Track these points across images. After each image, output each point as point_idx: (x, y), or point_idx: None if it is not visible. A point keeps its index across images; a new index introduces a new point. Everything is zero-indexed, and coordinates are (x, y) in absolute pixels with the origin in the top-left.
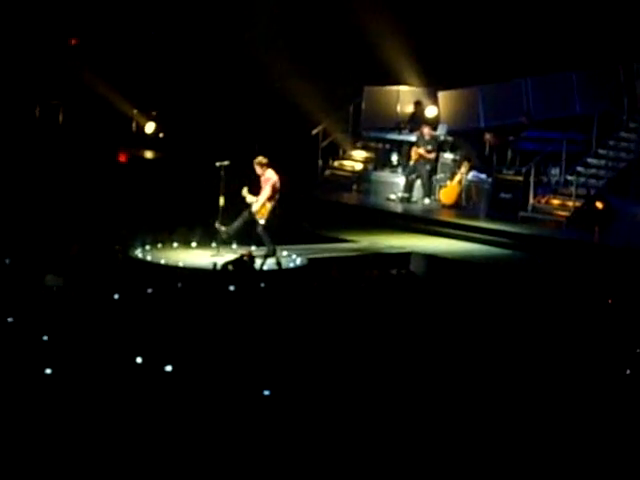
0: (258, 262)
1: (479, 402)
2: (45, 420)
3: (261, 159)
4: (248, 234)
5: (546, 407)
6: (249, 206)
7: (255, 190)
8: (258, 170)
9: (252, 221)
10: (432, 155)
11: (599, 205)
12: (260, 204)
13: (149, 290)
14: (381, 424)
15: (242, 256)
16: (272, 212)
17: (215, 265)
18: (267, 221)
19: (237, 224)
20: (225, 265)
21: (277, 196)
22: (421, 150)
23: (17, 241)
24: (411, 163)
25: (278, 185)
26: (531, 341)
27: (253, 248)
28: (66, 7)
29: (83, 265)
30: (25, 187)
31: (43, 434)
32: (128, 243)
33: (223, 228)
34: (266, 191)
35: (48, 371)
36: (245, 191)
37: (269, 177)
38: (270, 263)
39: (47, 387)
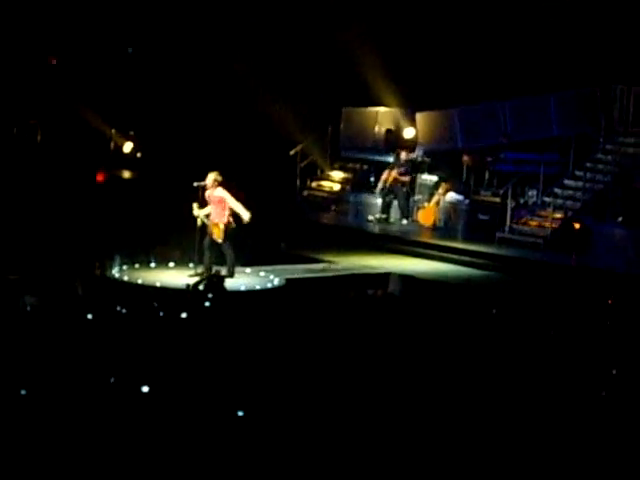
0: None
1: (457, 422)
2: (19, 440)
3: (217, 176)
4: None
5: (524, 425)
6: (205, 233)
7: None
8: (209, 185)
9: (214, 243)
10: (406, 178)
11: (576, 225)
12: (225, 217)
13: (123, 310)
14: (359, 445)
15: (212, 276)
16: (228, 229)
17: (188, 286)
18: (226, 237)
19: (206, 257)
20: (195, 285)
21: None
22: (394, 172)
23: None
24: (387, 185)
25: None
26: (507, 362)
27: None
28: (45, 26)
29: (59, 285)
30: (2, 206)
31: (18, 454)
32: (104, 263)
33: (199, 270)
34: (227, 211)
35: (23, 392)
36: (196, 207)
37: (222, 195)
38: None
39: (21, 407)
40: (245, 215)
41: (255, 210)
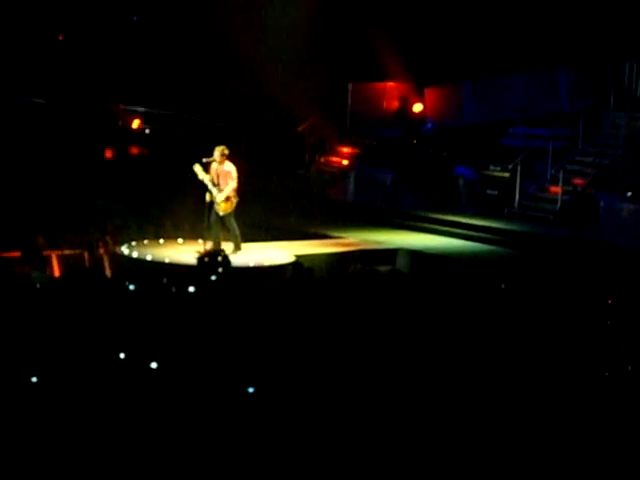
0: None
1: (465, 400)
2: (32, 417)
3: (224, 149)
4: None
5: (535, 405)
6: (212, 210)
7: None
8: (217, 159)
9: (220, 217)
10: None
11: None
12: (224, 196)
13: (132, 287)
14: (367, 423)
15: (217, 251)
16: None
17: (199, 260)
18: (231, 212)
19: (213, 231)
20: (201, 260)
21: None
22: None
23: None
24: None
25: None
26: (517, 338)
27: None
28: (53, 3)
29: (70, 262)
30: (11, 184)
31: (29, 431)
32: (114, 239)
33: (209, 245)
34: (231, 185)
35: (34, 379)
36: (198, 167)
37: (229, 169)
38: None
39: (34, 387)
40: (219, 197)
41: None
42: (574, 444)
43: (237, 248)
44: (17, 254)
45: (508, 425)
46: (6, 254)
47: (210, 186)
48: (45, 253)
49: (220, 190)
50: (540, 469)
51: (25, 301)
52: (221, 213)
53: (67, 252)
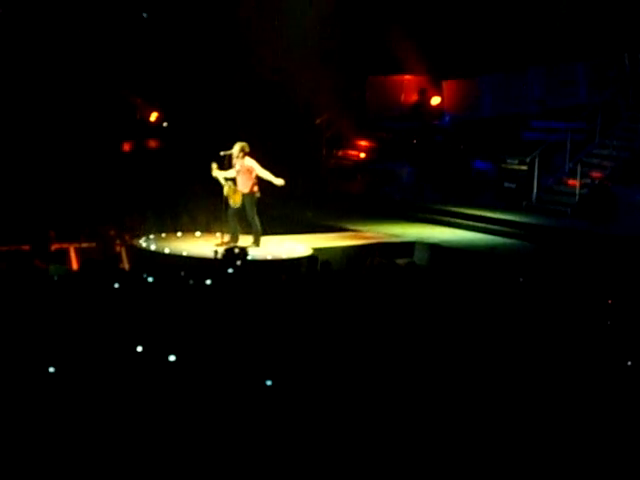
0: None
1: (480, 395)
2: (47, 408)
3: (245, 146)
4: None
5: (549, 402)
6: (228, 203)
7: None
8: (236, 155)
9: (239, 212)
10: None
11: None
12: (271, 178)
13: (150, 279)
14: (384, 417)
15: (232, 247)
16: (254, 199)
17: (216, 253)
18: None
19: (231, 224)
20: (217, 251)
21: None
22: None
23: (20, 232)
24: None
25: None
26: (534, 333)
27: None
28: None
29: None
30: (30, 178)
31: (44, 422)
32: (132, 232)
33: (227, 238)
34: (266, 174)
35: (51, 370)
36: (214, 167)
37: (250, 165)
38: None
39: (51, 377)
40: (278, 181)
41: (283, 178)
42: (584, 442)
43: (257, 242)
44: (27, 247)
45: (522, 420)
46: (16, 247)
47: (223, 182)
48: (63, 246)
49: (232, 185)
50: (545, 467)
51: (42, 293)
52: (234, 206)
53: (84, 245)
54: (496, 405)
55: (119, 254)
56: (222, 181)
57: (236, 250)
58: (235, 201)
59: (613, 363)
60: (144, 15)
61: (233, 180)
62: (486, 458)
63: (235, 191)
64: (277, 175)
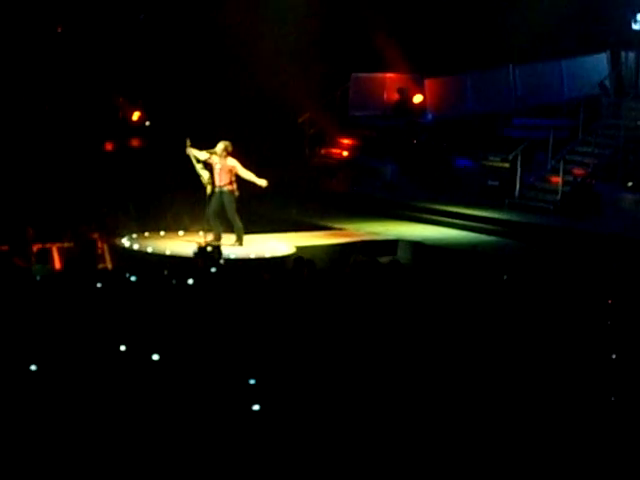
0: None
1: (465, 394)
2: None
3: (229, 145)
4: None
5: (532, 398)
6: (210, 202)
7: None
8: (219, 153)
9: (220, 211)
10: None
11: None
12: (254, 179)
13: (133, 278)
14: (368, 416)
15: (206, 245)
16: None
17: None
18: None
19: (213, 223)
20: (195, 251)
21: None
22: None
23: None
24: None
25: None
26: (518, 331)
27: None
28: None
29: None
30: (12, 177)
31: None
32: (114, 232)
33: (209, 237)
34: (248, 175)
35: (33, 367)
36: (189, 143)
37: (232, 164)
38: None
39: (33, 377)
40: (260, 182)
41: (266, 176)
42: (577, 442)
43: (239, 241)
44: (5, 248)
45: (510, 420)
46: None
47: (199, 170)
48: (46, 246)
49: (208, 177)
50: (543, 466)
51: (24, 292)
52: (207, 185)
53: (67, 245)
54: (483, 403)
55: (100, 254)
56: (194, 161)
57: (209, 248)
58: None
59: (600, 357)
60: (141, 17)
61: (210, 170)
62: (477, 458)
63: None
64: (260, 174)
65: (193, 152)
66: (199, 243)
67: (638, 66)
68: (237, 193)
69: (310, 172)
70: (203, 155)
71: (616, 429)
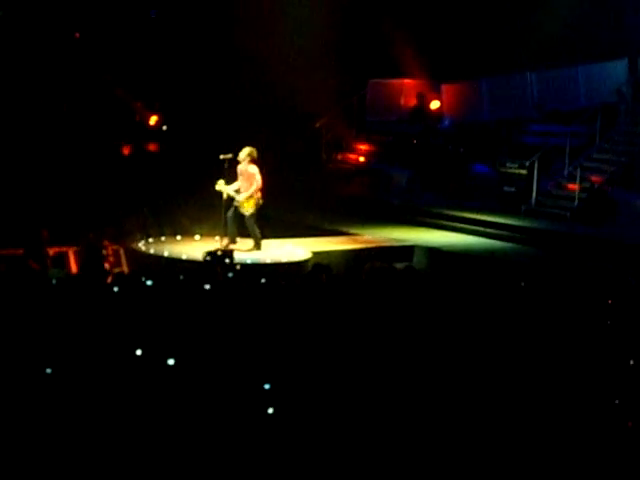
0: (236, 255)
1: (481, 400)
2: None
3: (253, 151)
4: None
5: (549, 405)
6: (229, 206)
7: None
8: (243, 160)
9: (237, 216)
10: None
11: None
12: (246, 196)
13: (149, 282)
14: (384, 420)
15: (217, 250)
16: (258, 205)
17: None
18: (253, 213)
19: (230, 228)
20: (205, 257)
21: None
22: None
23: (16, 235)
24: None
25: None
26: (534, 337)
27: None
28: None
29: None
30: (29, 180)
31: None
32: (131, 236)
33: (225, 242)
34: (255, 186)
35: (48, 370)
36: (222, 183)
37: (253, 172)
38: (254, 257)
39: (49, 380)
40: (238, 197)
41: (284, 181)
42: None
43: (257, 246)
44: (20, 251)
45: (524, 423)
46: (7, 251)
47: (233, 194)
48: (62, 250)
49: (239, 192)
50: (546, 468)
51: (39, 295)
52: (247, 213)
53: (78, 249)
54: (496, 409)
55: (111, 259)
56: (233, 195)
57: (219, 252)
58: (247, 208)
59: (614, 363)
60: (152, 14)
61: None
62: (488, 460)
63: (247, 199)
64: (277, 178)
65: (226, 190)
66: (222, 248)
67: None
68: (261, 201)
69: (326, 177)
70: (233, 187)
71: (622, 433)
